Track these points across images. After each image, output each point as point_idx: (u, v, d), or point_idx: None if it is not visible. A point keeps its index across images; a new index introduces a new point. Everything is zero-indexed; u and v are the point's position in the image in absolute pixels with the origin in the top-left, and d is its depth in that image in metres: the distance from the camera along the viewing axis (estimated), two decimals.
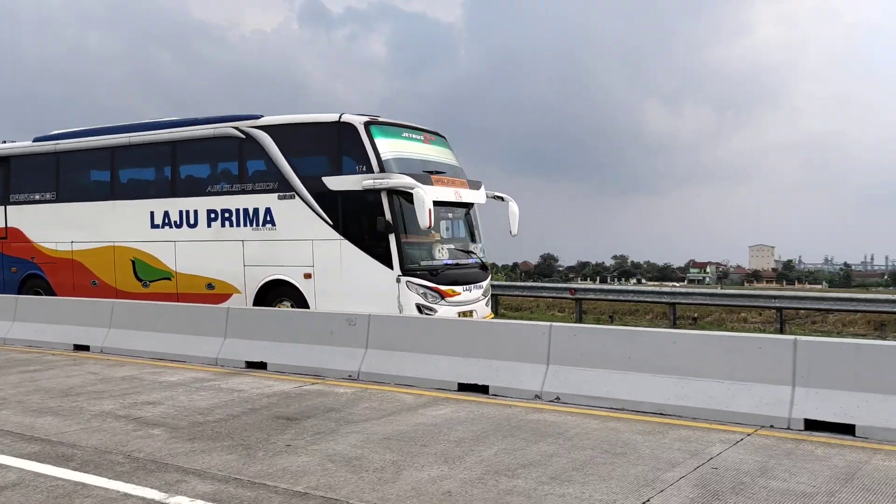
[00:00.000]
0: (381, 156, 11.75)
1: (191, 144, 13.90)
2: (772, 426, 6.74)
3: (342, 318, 9.72)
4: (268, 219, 12.81)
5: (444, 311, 11.80)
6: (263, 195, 12.83)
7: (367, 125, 11.92)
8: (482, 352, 8.57)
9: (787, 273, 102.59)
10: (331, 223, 12.12)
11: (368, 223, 11.80)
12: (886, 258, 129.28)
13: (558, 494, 4.99)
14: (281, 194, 12.63)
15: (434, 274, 11.93)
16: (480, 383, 8.38)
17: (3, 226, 16.09)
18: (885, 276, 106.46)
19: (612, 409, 7.48)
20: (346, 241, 12.01)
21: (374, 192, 11.60)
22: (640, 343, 7.73)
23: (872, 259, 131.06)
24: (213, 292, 13.20)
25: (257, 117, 13.15)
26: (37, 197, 15.63)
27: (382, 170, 11.64)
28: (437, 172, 12.44)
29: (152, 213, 14.02)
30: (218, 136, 13.44)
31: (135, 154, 14.69)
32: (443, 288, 11.93)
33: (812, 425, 6.62)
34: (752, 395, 6.99)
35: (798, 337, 7.10)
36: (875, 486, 5.11)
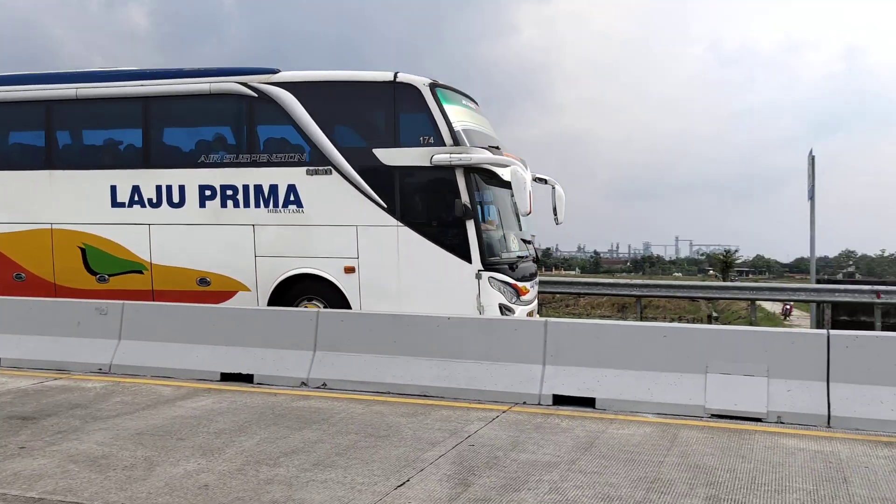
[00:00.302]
0: (454, 126, 9.85)
1: (175, 102, 11.01)
2: (524, 403, 7.18)
3: (90, 307, 8.99)
4: (291, 198, 10.32)
5: (519, 312, 10.07)
6: (284, 169, 10.36)
7: (432, 88, 9.94)
8: (247, 340, 8.31)
9: (546, 260, 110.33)
10: (384, 206, 10.00)
11: (438, 206, 9.89)
12: (629, 247, 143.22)
13: (320, 480, 4.96)
14: (311, 168, 10.23)
15: (512, 268, 10.13)
16: (245, 372, 8.13)
17: None
18: (628, 263, 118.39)
19: (378, 392, 7.57)
20: (406, 228, 9.94)
21: (447, 170, 9.70)
22: (406, 327, 7.89)
23: (618, 247, 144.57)
24: (209, 289, 10.62)
25: (272, 71, 10.62)
26: None
27: (456, 143, 9.72)
28: (497, 147, 10.44)
29: (114, 188, 10.98)
30: (217, 94, 10.68)
31: (90, 111, 11.48)
32: (519, 285, 10.16)
33: (560, 400, 7.13)
34: (508, 374, 7.40)
35: (548, 319, 7.62)
36: (610, 453, 5.61)
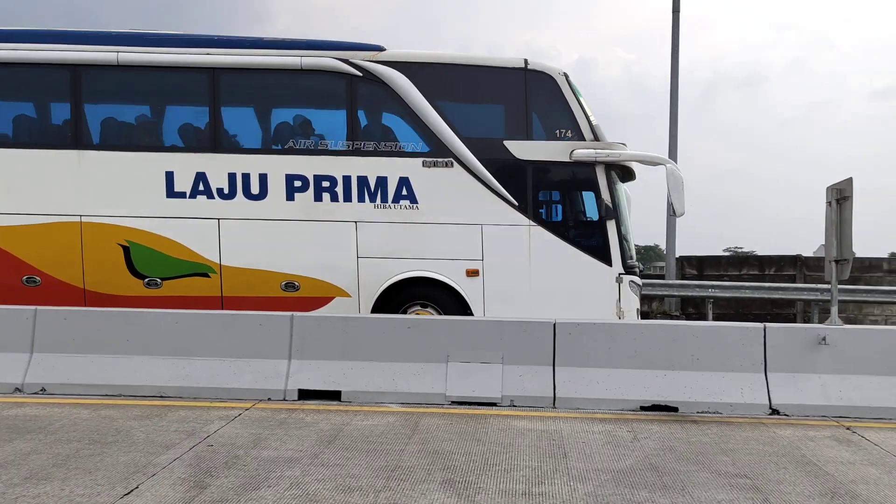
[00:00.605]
0: (591, 119, 9.24)
1: (256, 76, 9.34)
2: (269, 399, 7.01)
3: None
4: (403, 192, 9.20)
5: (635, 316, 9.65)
6: (395, 159, 9.23)
7: (567, 77, 9.31)
8: None
9: None
10: (515, 203, 9.23)
11: (576, 205, 9.39)
12: None
13: (32, 496, 4.45)
14: (429, 160, 9.21)
15: (638, 272, 9.79)
16: None
17: None
18: None
19: (107, 395, 7.00)
20: (540, 228, 9.25)
21: (587, 166, 9.16)
22: (139, 325, 7.35)
23: None
24: (297, 294, 9.21)
25: (378, 48, 9.39)
26: None
27: (595, 137, 9.19)
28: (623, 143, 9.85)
29: (170, 175, 9.13)
30: (311, 69, 9.25)
31: (138, 81, 9.37)
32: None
33: (306, 395, 7.05)
34: (252, 370, 7.17)
35: (295, 313, 7.50)
36: (353, 445, 5.64)
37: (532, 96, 9.40)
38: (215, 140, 9.40)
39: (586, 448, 5.69)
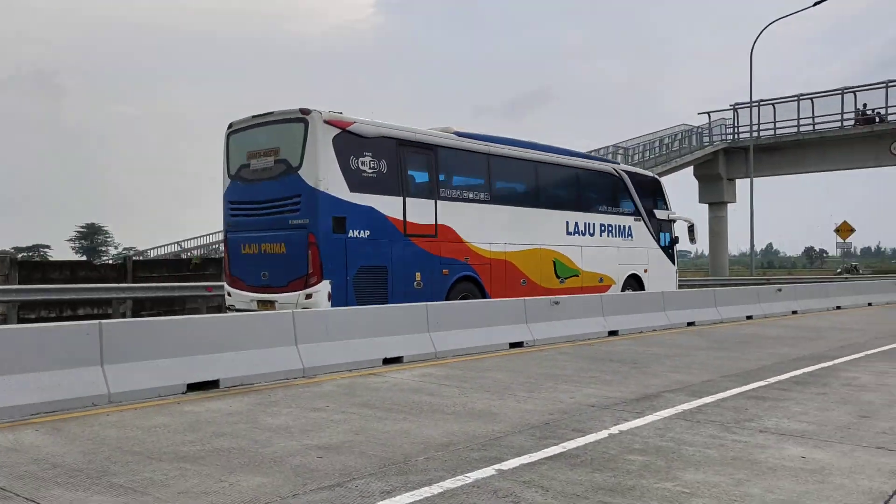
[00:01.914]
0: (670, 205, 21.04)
1: (588, 174, 18.41)
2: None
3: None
4: (628, 233, 19.02)
5: None
6: (626, 217, 19.06)
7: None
8: None
9: None
10: (656, 239, 20.08)
11: (668, 239, 20.64)
12: None
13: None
14: (635, 217, 19.37)
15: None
16: None
17: (433, 222, 13.62)
18: None
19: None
20: (660, 250, 20.20)
21: (672, 223, 20.77)
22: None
23: None
24: (602, 284, 17.96)
25: (616, 162, 24.21)
26: (470, 196, 14.71)
27: (668, 208, 20.85)
28: None
29: (567, 223, 17.14)
30: (603, 172, 18.85)
31: (553, 171, 17.26)
32: None
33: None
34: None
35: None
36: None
37: (658, 193, 20.64)
38: (578, 204, 17.70)
39: None
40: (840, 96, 38.79)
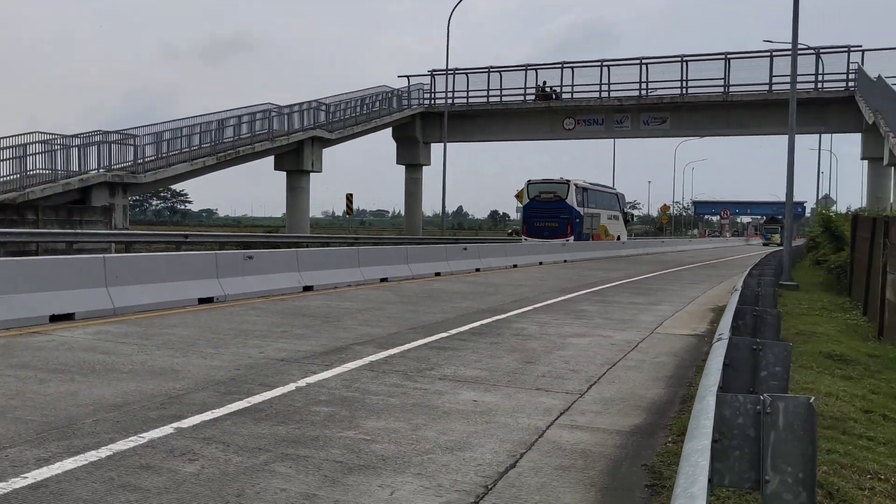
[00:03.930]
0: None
1: None
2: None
3: None
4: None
5: None
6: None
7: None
8: None
9: None
10: (619, 217, 46.82)
11: (618, 217, 47.24)
12: None
13: None
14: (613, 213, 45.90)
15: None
16: None
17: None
18: None
19: None
20: (622, 222, 48.25)
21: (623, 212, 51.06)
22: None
23: None
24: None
25: None
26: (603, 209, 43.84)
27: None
28: None
29: None
30: None
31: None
32: None
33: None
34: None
35: None
36: None
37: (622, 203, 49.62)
38: None
39: None
40: (524, 72, 42.40)
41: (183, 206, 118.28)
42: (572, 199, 38.17)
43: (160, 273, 11.18)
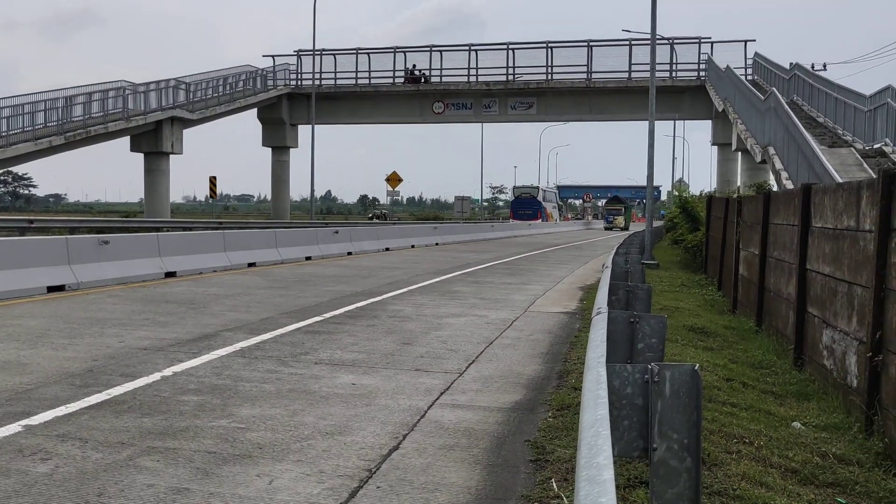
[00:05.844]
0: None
1: None
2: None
3: None
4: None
5: None
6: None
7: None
8: None
9: None
10: (555, 205, 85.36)
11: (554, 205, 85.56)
12: None
13: None
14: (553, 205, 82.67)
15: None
16: None
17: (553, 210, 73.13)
18: None
19: None
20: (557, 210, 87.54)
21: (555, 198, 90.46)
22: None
23: None
24: None
25: None
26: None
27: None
28: None
29: None
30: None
31: None
32: None
33: None
34: None
35: None
36: None
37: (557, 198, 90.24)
38: None
39: None
40: (393, 54, 42.13)
41: (26, 191, 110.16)
42: (540, 197, 70.31)
43: (0, 260, 10.25)
